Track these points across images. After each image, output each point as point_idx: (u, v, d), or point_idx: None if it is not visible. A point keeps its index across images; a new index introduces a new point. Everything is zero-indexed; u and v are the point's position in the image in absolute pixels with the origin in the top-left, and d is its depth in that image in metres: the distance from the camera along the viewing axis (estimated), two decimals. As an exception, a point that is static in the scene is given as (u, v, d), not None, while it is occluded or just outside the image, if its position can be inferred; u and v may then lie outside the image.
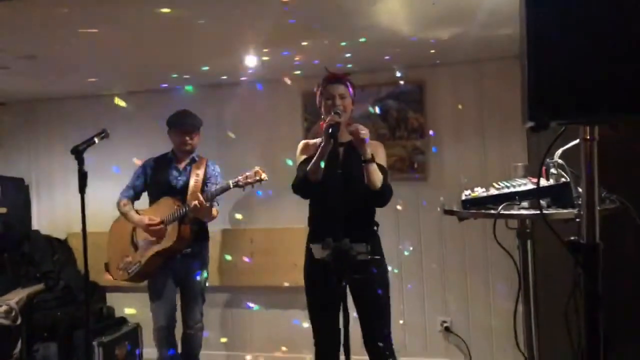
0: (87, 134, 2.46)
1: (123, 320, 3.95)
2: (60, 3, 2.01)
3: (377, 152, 2.45)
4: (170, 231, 2.97)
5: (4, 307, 3.30)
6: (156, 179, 3.15)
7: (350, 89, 2.42)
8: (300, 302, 3.58)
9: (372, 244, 2.28)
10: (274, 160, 3.67)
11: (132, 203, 3.17)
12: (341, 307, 2.01)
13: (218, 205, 3.11)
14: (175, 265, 3.07)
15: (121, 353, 3.73)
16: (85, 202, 2.40)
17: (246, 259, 3.77)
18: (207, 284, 3.21)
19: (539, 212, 1.50)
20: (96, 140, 2.46)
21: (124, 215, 3.12)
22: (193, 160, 3.16)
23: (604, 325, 1.22)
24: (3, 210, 3.36)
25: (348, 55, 3.07)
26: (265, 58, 3.09)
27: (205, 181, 3.11)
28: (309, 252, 2.42)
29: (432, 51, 3.13)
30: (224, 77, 3.67)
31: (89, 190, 2.38)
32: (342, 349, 2.12)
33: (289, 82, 3.71)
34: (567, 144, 1.93)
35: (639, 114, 1.04)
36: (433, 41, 2.89)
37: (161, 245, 2.98)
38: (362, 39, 2.76)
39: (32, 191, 4.29)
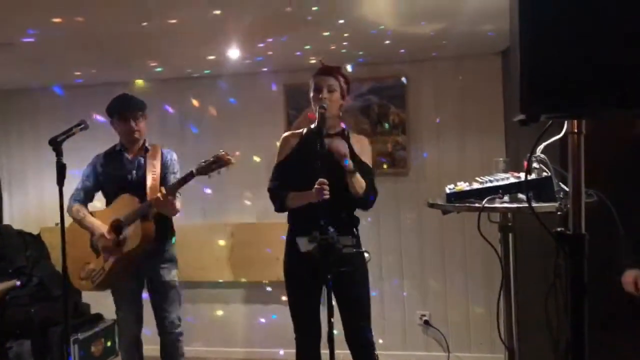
0: (59, 126, 2.39)
1: (99, 317, 3.88)
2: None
3: (363, 149, 2.47)
4: (132, 231, 2.65)
5: (-25, 304, 3.19)
6: (108, 176, 2.83)
7: (342, 82, 2.41)
8: (277, 297, 3.62)
9: (355, 238, 2.31)
10: (257, 154, 3.66)
11: (85, 206, 2.85)
12: (325, 301, 2.02)
13: (180, 195, 2.77)
14: (140, 267, 2.77)
15: (97, 350, 3.67)
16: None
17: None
18: (179, 284, 2.88)
19: (525, 205, 1.51)
20: (75, 131, 2.41)
21: (77, 222, 2.78)
22: (146, 150, 2.84)
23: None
24: (-27, 204, 3.24)
25: (331, 47, 3.06)
26: (246, 51, 3.07)
27: (163, 172, 2.81)
28: (290, 246, 2.41)
29: (414, 47, 3.15)
30: (206, 71, 3.63)
31: (65, 183, 2.31)
32: (322, 343, 2.13)
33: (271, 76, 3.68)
34: (549, 138, 1.97)
35: (631, 108, 1.07)
36: (415, 38, 2.91)
37: (126, 247, 2.67)
38: (345, 34, 2.76)
39: (4, 185, 4.17)
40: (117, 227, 2.70)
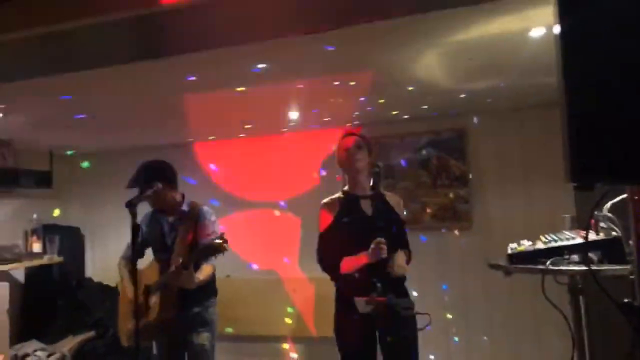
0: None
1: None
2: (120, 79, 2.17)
3: (400, 207, 2.45)
4: (154, 302, 2.66)
5: (57, 354, 3.40)
6: (150, 237, 2.84)
7: (365, 141, 2.45)
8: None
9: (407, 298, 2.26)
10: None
11: (133, 261, 2.67)
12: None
13: (215, 259, 2.59)
14: (175, 328, 2.72)
15: (165, 402, 3.75)
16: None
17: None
18: (213, 346, 2.80)
19: (587, 268, 1.44)
20: (149, 193, 2.58)
21: (120, 278, 2.86)
22: (182, 213, 2.77)
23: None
24: (60, 259, 3.51)
25: (385, 107, 3.13)
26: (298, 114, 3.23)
27: (195, 236, 2.69)
28: (342, 307, 2.37)
29: (471, 101, 3.15)
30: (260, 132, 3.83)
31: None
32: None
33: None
34: (616, 196, 1.88)
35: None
36: (470, 93, 2.92)
37: (147, 317, 2.67)
38: (409, 90, 2.80)
39: (87, 239, 4.50)
40: (147, 292, 2.73)
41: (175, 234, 2.74)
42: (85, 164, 4.40)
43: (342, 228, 2.37)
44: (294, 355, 3.84)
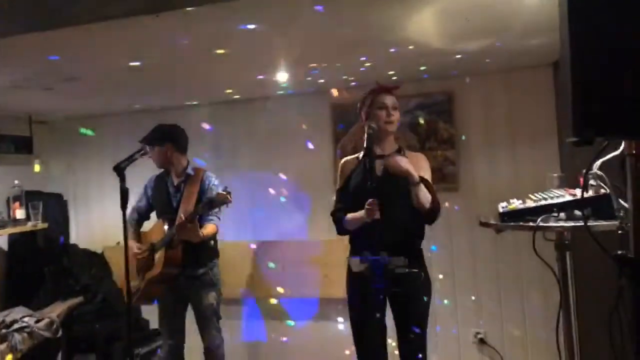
0: (121, 151, 2.54)
1: (158, 333, 4.02)
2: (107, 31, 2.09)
3: (421, 165, 2.46)
4: (159, 257, 2.86)
5: (46, 320, 3.39)
6: (156, 199, 3.05)
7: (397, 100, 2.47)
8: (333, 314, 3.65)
9: (413, 257, 2.29)
10: (305, 173, 3.73)
11: (139, 224, 3.12)
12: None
13: (219, 219, 2.92)
14: (181, 287, 2.96)
15: (157, 364, 3.81)
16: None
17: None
18: (219, 303, 3.05)
19: (582, 224, 1.48)
20: (136, 157, 2.54)
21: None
22: (187, 175, 2.98)
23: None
24: (44, 225, 3.46)
25: (374, 68, 3.09)
26: (296, 74, 3.15)
27: (201, 197, 2.88)
28: (349, 266, 2.43)
29: (462, 62, 3.13)
30: (252, 94, 3.75)
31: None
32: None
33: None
34: (605, 155, 1.92)
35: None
36: (463, 54, 2.90)
37: (152, 272, 2.89)
38: (392, 49, 2.77)
39: (70, 206, 4.43)
40: (152, 251, 2.91)
41: (180, 196, 2.91)
42: (86, 131, 4.27)
43: (353, 187, 2.44)
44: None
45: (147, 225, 3.20)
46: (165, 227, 2.88)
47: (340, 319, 3.63)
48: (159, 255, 2.87)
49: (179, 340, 3.08)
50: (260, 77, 3.20)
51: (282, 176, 3.83)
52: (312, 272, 3.66)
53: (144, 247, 2.97)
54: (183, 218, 2.70)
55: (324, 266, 3.59)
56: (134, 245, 2.96)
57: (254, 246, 3.87)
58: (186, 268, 2.91)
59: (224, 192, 2.64)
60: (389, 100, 2.41)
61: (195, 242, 2.80)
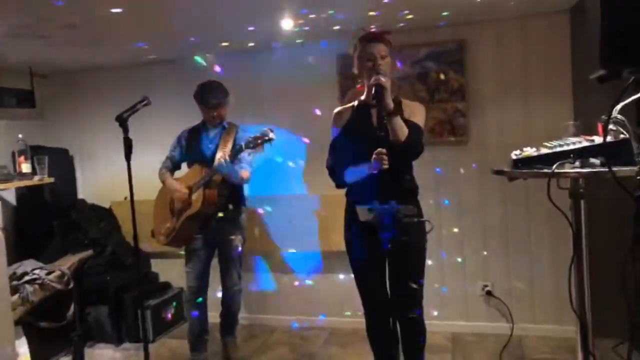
0: (125, 103, 2.48)
1: (167, 285, 4.09)
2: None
3: (415, 112, 2.33)
4: (196, 197, 3.05)
5: (57, 272, 3.43)
6: (190, 150, 3.24)
7: (391, 48, 2.30)
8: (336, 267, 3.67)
9: (415, 205, 2.26)
10: (310, 124, 3.66)
11: (172, 172, 3.29)
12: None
13: (251, 168, 3.16)
14: (210, 230, 3.15)
15: (167, 315, 3.88)
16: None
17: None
18: (242, 248, 3.23)
19: (601, 169, 1.42)
20: (139, 107, 2.49)
21: (162, 182, 3.26)
22: (223, 128, 3.20)
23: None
24: (51, 179, 3.43)
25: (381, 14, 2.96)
26: (300, 21, 3.04)
27: (234, 148, 3.08)
28: (349, 216, 2.39)
29: (479, 6, 2.98)
30: (256, 43, 3.63)
31: (132, 158, 2.40)
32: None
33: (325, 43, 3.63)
34: (625, 98, 1.84)
35: None
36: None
37: (190, 210, 3.07)
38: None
39: (76, 161, 4.41)
40: (190, 190, 3.09)
41: (215, 146, 3.14)
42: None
43: (348, 138, 2.33)
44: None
45: (177, 174, 3.33)
46: (202, 171, 3.06)
47: (340, 270, 3.64)
48: (196, 196, 3.05)
49: (203, 284, 3.20)
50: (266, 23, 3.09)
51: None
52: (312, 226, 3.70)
53: (184, 187, 3.12)
54: (223, 157, 2.92)
55: (324, 220, 3.67)
56: (174, 183, 3.17)
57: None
58: (219, 210, 3.10)
59: (267, 129, 2.87)
60: (377, 49, 2.22)
61: (232, 183, 3.07)
